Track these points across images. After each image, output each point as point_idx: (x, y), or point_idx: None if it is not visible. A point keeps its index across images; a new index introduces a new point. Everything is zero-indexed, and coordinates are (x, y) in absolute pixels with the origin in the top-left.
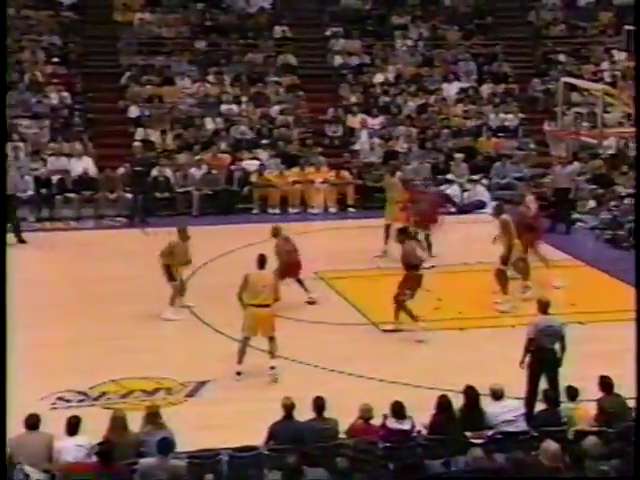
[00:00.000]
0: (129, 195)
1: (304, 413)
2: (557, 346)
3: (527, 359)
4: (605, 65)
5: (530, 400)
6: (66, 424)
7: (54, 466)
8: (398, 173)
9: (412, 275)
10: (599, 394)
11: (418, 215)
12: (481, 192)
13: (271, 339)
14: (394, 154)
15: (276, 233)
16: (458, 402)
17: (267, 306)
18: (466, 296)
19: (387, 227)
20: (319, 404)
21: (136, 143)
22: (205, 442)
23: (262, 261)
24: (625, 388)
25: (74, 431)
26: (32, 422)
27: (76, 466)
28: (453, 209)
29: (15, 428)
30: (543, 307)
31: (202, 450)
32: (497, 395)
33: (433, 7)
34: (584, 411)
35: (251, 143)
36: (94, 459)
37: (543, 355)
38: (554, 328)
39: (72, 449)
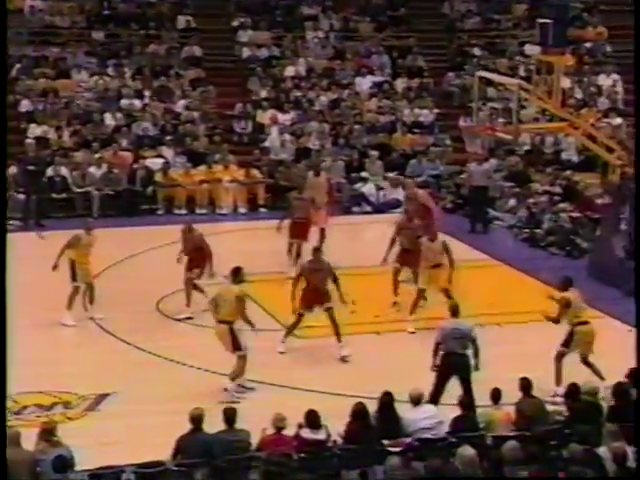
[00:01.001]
0: (22, 196)
1: (214, 425)
2: (470, 351)
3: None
4: (519, 59)
5: (432, 403)
6: None
7: None
8: (323, 173)
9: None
10: (518, 396)
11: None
12: (397, 191)
13: (238, 358)
14: (306, 151)
15: (191, 228)
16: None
17: (225, 322)
18: (382, 299)
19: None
20: (229, 415)
21: (29, 140)
22: (108, 458)
23: (235, 273)
24: (543, 391)
25: None
26: None
27: None
28: (369, 208)
29: None
30: (452, 310)
31: (105, 467)
32: (416, 401)
33: None
34: (505, 415)
35: (155, 140)
36: None
37: (452, 359)
38: (462, 331)
39: None
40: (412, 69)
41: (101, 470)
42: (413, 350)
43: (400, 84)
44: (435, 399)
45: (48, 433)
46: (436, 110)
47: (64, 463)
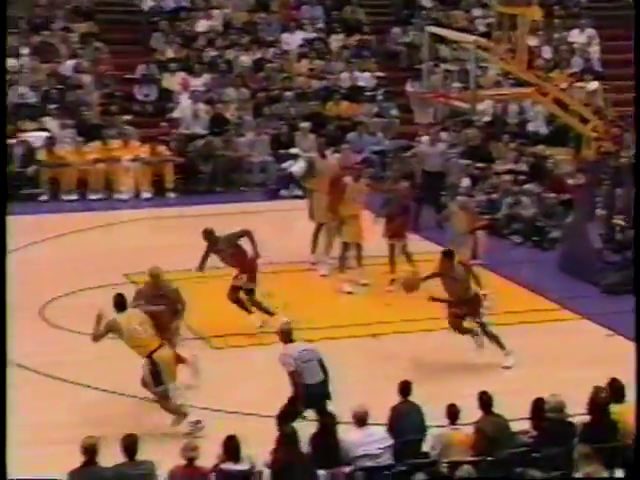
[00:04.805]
0: None
1: (111, 456)
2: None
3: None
4: (477, 12)
5: None
6: None
7: None
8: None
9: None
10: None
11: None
12: None
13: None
14: (223, 122)
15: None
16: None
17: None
18: (318, 301)
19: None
20: (129, 444)
21: None
22: None
23: (118, 302)
24: (504, 407)
25: None
26: None
27: None
28: (300, 192)
29: None
30: (284, 334)
31: None
32: (361, 421)
33: None
34: (464, 436)
35: (36, 109)
36: None
37: (313, 391)
38: (310, 352)
39: None
40: (350, 23)
41: None
42: (352, 361)
43: (335, 41)
44: None
45: None
46: (379, 73)
47: None
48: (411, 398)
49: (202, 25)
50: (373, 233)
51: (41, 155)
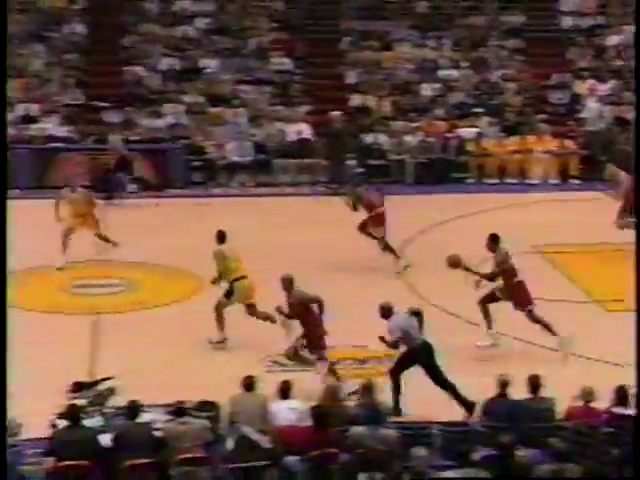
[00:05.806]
0: (327, 162)
1: (518, 391)
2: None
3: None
4: None
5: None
6: (278, 389)
7: (269, 427)
8: None
9: None
10: None
11: None
12: None
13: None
14: (624, 122)
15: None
16: None
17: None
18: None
19: None
20: (535, 382)
21: (334, 112)
22: (416, 414)
23: (220, 236)
24: None
25: (286, 396)
26: (248, 383)
27: (290, 429)
28: None
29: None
30: (385, 311)
31: (413, 422)
32: None
33: None
34: None
35: (469, 110)
36: (306, 423)
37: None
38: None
39: (285, 412)
40: None
41: (410, 424)
42: None
43: None
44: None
45: (369, 389)
46: None
47: (380, 416)
48: None
49: (613, 39)
50: None
51: (470, 146)
